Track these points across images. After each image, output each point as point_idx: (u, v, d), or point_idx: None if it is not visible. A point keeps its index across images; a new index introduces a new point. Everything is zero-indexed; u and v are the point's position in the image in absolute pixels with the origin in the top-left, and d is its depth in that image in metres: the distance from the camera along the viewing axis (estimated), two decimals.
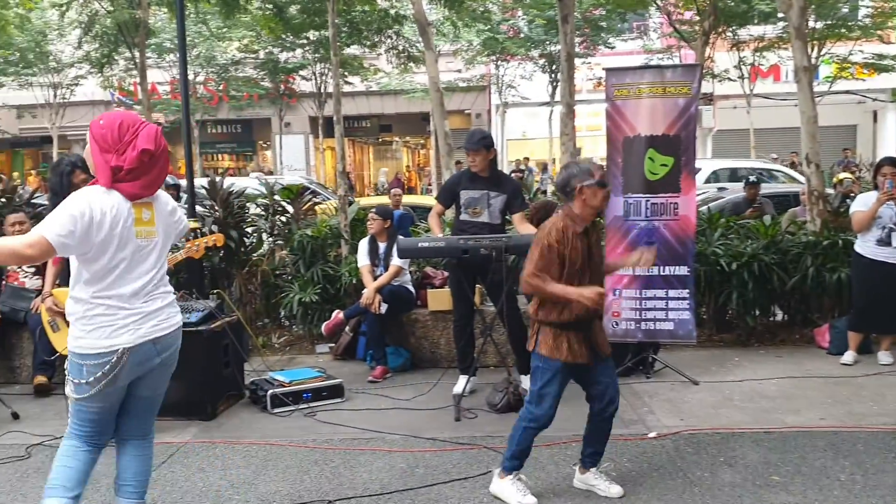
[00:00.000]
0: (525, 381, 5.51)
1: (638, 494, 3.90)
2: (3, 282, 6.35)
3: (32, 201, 8.08)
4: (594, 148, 26.14)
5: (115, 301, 3.01)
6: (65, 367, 3.11)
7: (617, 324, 6.02)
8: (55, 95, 22.31)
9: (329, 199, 12.86)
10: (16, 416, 5.37)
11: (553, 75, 21.37)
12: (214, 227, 6.87)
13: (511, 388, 5.31)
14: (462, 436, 4.81)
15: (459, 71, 22.93)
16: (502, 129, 25.63)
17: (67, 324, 4.66)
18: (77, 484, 3.13)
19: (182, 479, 4.29)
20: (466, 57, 21.48)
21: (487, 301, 6.28)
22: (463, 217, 5.66)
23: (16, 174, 25.30)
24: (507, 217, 5.71)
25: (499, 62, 22.36)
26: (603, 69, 6.71)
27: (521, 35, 20.62)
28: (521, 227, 5.58)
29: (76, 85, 21.88)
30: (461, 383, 5.56)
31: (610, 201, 6.08)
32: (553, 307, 3.71)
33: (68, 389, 3.09)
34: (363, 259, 6.59)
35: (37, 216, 6.53)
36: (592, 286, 3.63)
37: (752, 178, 9.37)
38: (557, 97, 17.24)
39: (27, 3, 13.30)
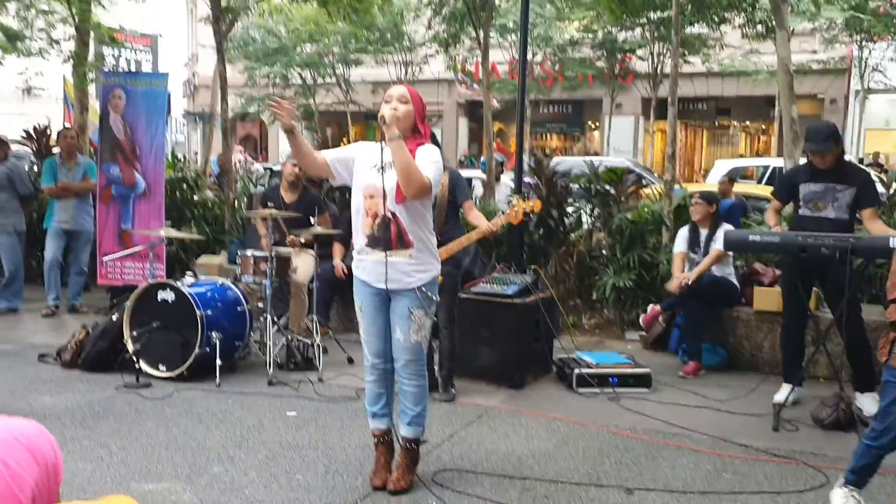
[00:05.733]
0: (860, 400, 4.94)
1: None
2: None
3: None
4: None
5: None
6: None
7: None
8: (406, 73, 24.35)
9: (654, 182, 12.50)
10: (350, 360, 5.99)
11: None
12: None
13: (843, 404, 4.76)
14: (778, 447, 4.42)
15: (815, 52, 20.79)
16: (860, 118, 22.86)
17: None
18: None
19: (488, 440, 4.48)
20: (826, 37, 19.33)
21: (824, 306, 5.67)
22: (802, 212, 5.12)
23: None
24: (856, 214, 5.07)
25: (863, 43, 19.87)
26: None
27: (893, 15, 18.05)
28: (872, 225, 4.93)
29: (424, 63, 23.68)
30: (784, 392, 5.10)
31: None
32: None
33: None
34: (680, 245, 6.32)
35: None
36: None
37: None
38: None
39: None
